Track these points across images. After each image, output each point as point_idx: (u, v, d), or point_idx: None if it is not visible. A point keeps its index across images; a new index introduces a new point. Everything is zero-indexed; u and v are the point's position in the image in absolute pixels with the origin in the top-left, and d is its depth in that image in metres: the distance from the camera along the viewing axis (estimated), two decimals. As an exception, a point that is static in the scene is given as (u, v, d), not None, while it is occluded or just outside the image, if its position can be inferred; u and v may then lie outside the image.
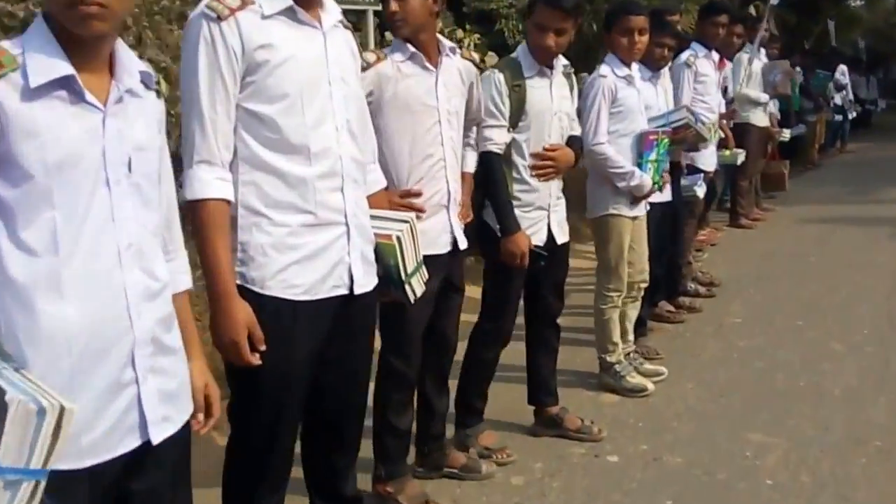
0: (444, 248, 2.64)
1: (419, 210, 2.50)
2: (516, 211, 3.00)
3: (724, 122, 6.58)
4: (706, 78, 5.27)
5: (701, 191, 5.23)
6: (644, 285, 4.01)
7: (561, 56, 3.14)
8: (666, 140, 3.82)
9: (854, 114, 13.99)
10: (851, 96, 13.69)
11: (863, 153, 14.05)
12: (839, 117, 13.06)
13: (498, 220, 2.98)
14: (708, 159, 5.41)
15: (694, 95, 5.25)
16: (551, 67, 3.07)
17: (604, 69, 3.69)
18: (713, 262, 6.48)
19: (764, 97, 7.45)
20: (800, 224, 7.96)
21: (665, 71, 4.51)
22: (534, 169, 3.08)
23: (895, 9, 39.55)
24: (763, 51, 7.75)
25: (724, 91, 6.48)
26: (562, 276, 3.38)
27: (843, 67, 13.24)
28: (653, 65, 4.17)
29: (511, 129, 3.01)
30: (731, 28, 5.58)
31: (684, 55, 5.29)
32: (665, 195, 4.19)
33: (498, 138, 2.95)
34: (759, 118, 7.54)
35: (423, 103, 2.54)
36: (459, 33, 7.00)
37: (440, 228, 2.63)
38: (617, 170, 3.65)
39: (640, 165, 3.71)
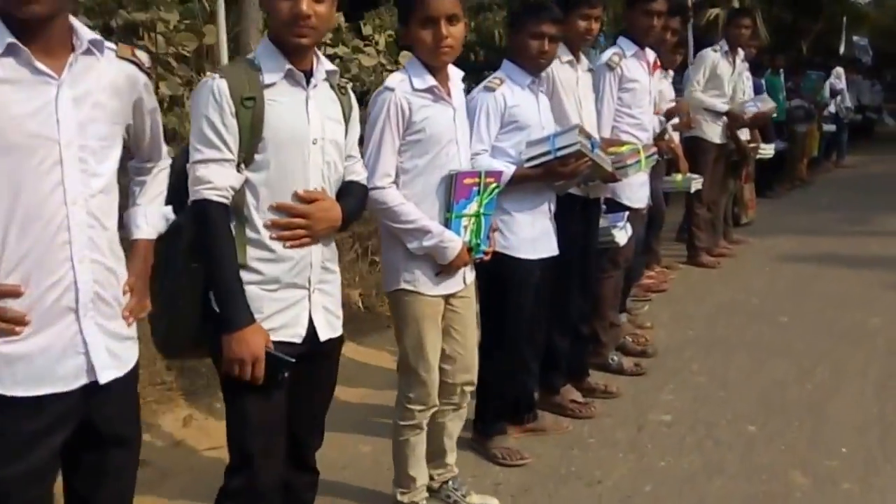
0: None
1: None
2: (252, 291, 1.91)
3: (674, 140, 5.17)
4: (635, 84, 3.84)
5: (622, 235, 3.80)
6: (469, 388, 2.69)
7: (326, 62, 2.04)
8: (496, 185, 2.45)
9: (848, 121, 12.48)
10: (849, 102, 12.16)
11: (862, 168, 12.57)
12: (833, 126, 11.54)
13: (217, 304, 1.91)
14: (636, 192, 3.97)
15: (619, 107, 3.82)
16: (309, 74, 1.98)
17: (392, 79, 2.40)
18: (655, 316, 5.04)
19: (722, 106, 6.04)
20: (775, 263, 6.50)
21: (553, 74, 3.16)
22: (275, 229, 1.94)
23: (904, 7, 38.17)
24: (741, 50, 6.34)
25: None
26: (326, 395, 2.16)
27: (839, 70, 11.73)
28: (531, 65, 2.96)
29: (243, 166, 1.91)
30: (668, 20, 4.13)
31: (607, 54, 3.87)
32: (548, 247, 2.98)
33: (217, 179, 1.88)
34: (714, 133, 6.11)
35: None
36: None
37: None
38: (404, 224, 2.36)
39: (448, 222, 2.39)
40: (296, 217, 1.92)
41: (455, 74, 2.47)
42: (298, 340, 1.96)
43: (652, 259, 5.84)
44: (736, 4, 12.26)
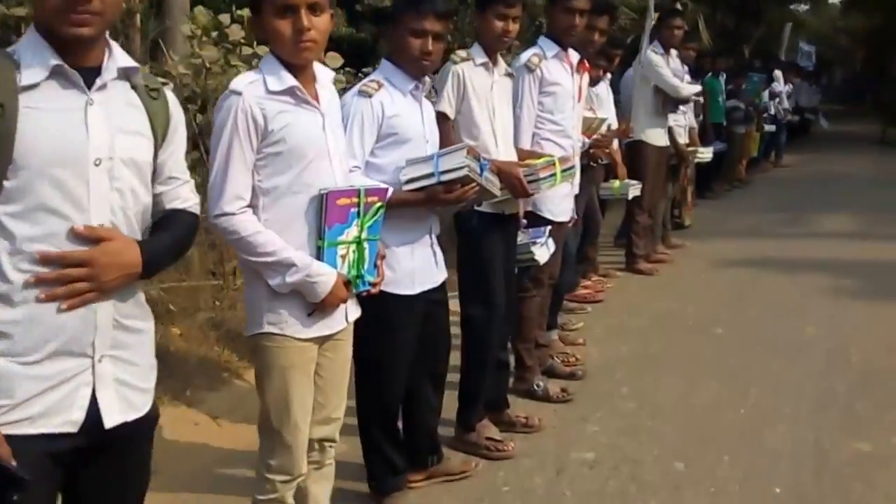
0: None
1: None
2: None
3: (612, 144, 4.91)
4: (557, 87, 3.54)
5: (543, 252, 3.50)
6: (330, 446, 2.26)
7: (124, 56, 1.56)
8: (379, 206, 2.09)
9: (787, 122, 12.53)
10: (787, 104, 12.19)
11: (800, 168, 12.66)
12: (772, 127, 11.54)
13: None
14: (559, 205, 3.68)
15: (540, 112, 3.53)
16: (95, 72, 1.51)
17: (239, 81, 2.00)
18: (589, 330, 4.77)
19: (691, 88, 5.96)
20: (712, 269, 6.32)
21: (464, 77, 2.89)
22: (42, 286, 1.44)
23: (841, 13, 39.21)
24: (675, 52, 6.16)
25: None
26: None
27: (778, 73, 11.74)
28: (412, 67, 2.59)
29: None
30: (593, 20, 3.84)
31: (526, 55, 3.57)
32: (431, 279, 2.64)
33: None
34: (657, 136, 5.91)
35: None
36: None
37: None
38: (262, 257, 1.97)
39: (320, 251, 2.01)
40: (71, 267, 1.44)
41: (324, 75, 2.08)
42: (73, 430, 1.47)
43: (588, 268, 5.60)
44: (679, 7, 12.19)
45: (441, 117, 2.85)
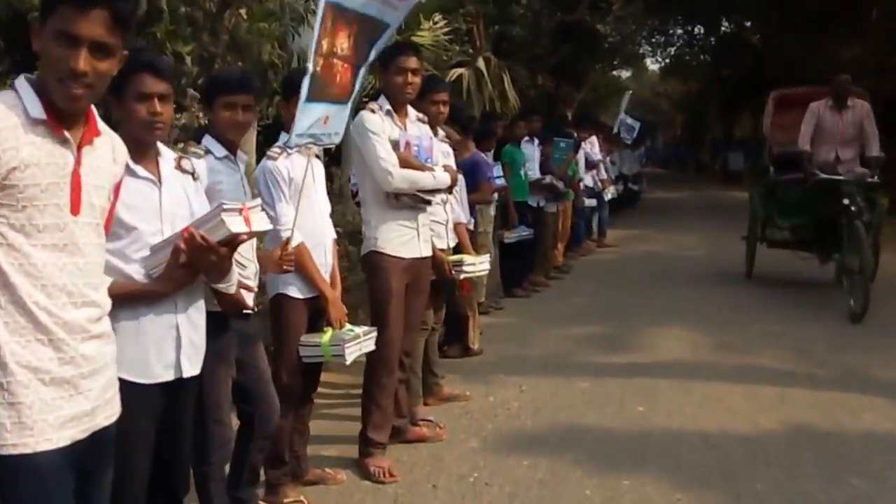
0: None
1: None
2: None
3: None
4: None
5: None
6: None
7: None
8: None
9: (612, 195, 10.93)
10: (605, 174, 10.60)
11: (625, 248, 11.01)
12: (593, 202, 9.80)
13: None
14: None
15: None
16: None
17: None
18: None
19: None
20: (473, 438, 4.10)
21: None
22: None
23: (660, 79, 40.66)
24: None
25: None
26: None
27: (593, 139, 10.14)
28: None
29: None
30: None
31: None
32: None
33: None
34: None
35: None
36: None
37: None
38: None
39: None
40: None
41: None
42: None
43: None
44: (481, 65, 10.46)
45: None
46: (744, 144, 26.64)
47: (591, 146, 9.90)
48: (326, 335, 3.09)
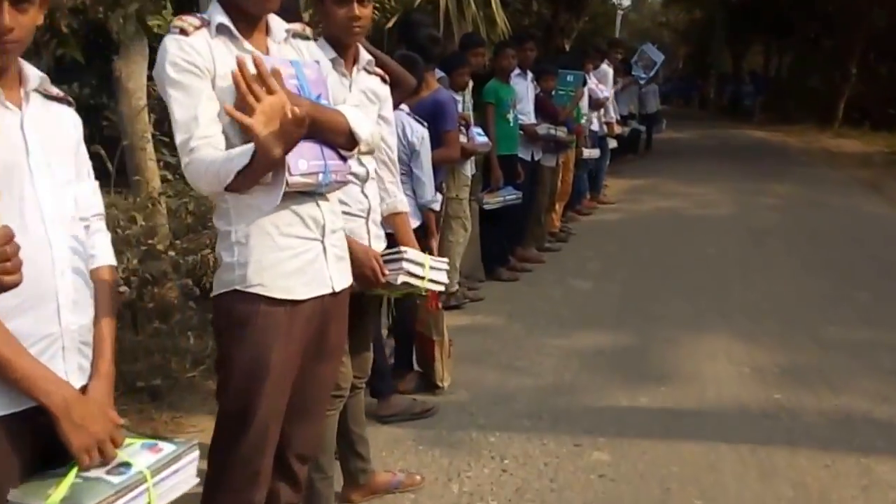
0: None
1: None
2: None
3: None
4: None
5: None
6: None
7: None
8: None
9: (614, 144, 9.02)
10: (614, 114, 8.68)
11: (635, 202, 9.20)
12: (596, 152, 7.93)
13: None
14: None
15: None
16: None
17: None
18: None
19: None
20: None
21: None
22: None
23: (662, 8, 38.05)
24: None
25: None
26: None
27: (605, 68, 8.14)
28: None
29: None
30: None
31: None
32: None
33: None
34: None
35: None
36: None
37: None
38: None
39: None
40: None
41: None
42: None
43: None
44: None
45: None
46: (754, 78, 24.61)
47: (603, 77, 7.94)
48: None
